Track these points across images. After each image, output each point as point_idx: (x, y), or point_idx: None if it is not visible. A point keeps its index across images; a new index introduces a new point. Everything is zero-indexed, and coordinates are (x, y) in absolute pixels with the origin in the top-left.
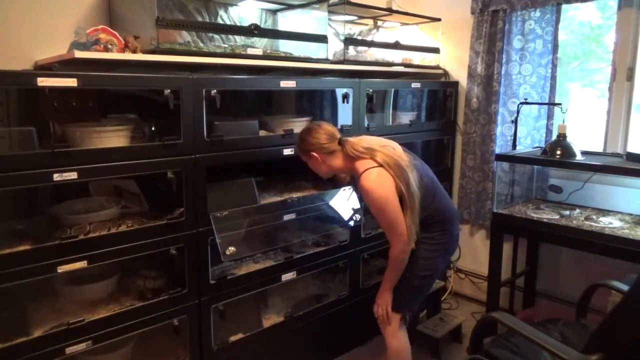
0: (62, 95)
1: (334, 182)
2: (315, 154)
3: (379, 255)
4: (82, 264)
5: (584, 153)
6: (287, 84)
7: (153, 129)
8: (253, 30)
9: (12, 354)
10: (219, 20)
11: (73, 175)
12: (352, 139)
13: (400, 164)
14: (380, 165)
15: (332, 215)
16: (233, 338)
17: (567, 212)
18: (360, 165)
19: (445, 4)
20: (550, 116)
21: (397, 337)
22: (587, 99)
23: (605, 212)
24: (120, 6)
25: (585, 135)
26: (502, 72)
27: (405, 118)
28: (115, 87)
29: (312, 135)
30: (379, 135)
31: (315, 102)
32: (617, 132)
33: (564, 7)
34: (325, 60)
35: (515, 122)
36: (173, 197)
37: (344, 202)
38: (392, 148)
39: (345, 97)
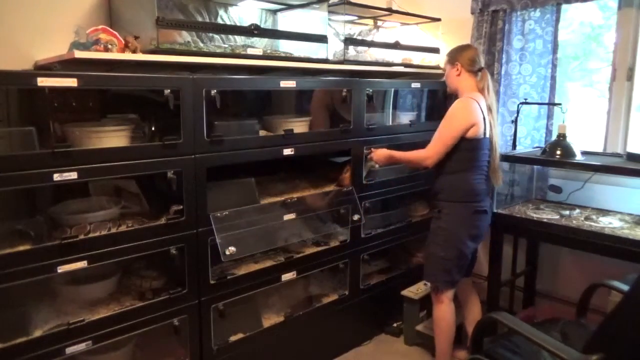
0: (62, 95)
1: (334, 182)
2: (459, 64)
3: (379, 255)
4: (82, 264)
5: (584, 153)
6: (287, 84)
7: (153, 129)
8: (253, 30)
9: (12, 354)
10: (219, 20)
11: (73, 175)
12: (485, 82)
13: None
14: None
15: (332, 215)
16: (233, 338)
17: (567, 212)
18: (465, 94)
19: (445, 4)
20: (550, 116)
21: (436, 308)
22: (587, 99)
23: (605, 212)
24: (120, 6)
25: (585, 135)
26: (502, 72)
27: (405, 118)
28: (115, 87)
29: (467, 51)
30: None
31: None
32: (617, 132)
33: (564, 7)
34: (325, 60)
35: (515, 122)
36: (173, 197)
37: (343, 202)
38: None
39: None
